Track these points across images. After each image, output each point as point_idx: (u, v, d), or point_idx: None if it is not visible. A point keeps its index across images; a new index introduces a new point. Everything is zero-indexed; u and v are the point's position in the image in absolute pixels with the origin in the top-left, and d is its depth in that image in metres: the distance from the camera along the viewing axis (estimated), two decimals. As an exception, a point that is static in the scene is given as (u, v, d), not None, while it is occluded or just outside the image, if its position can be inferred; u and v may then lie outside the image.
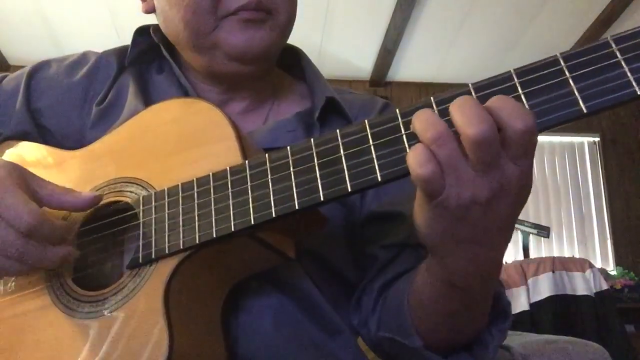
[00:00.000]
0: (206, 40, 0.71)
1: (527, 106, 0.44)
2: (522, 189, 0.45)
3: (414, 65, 4.37)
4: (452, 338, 0.61)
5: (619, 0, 3.68)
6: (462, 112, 0.43)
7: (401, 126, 0.47)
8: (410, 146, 0.46)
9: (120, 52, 0.83)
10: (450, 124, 0.44)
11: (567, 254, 4.38)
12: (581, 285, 3.00)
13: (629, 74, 0.41)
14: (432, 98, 0.47)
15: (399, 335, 0.62)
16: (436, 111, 0.46)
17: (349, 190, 0.48)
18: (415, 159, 0.44)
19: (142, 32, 0.82)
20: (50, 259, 0.56)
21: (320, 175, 0.50)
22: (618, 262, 4.34)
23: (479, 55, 4.14)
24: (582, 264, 3.09)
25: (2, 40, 3.83)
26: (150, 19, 0.85)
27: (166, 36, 0.79)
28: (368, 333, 0.69)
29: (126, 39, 0.82)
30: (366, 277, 0.71)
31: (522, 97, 0.44)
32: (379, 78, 4.45)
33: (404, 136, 0.47)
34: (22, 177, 0.57)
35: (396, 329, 0.63)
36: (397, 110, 0.48)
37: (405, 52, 4.18)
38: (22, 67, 0.82)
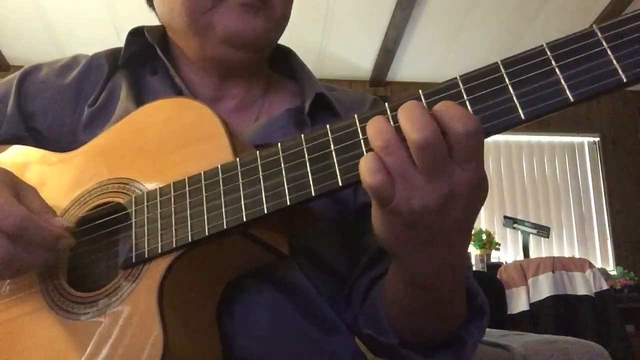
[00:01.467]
0: (201, 19, 0.72)
1: (514, 97, 0.44)
2: (475, 192, 0.46)
3: (414, 65, 4.37)
4: (428, 336, 0.62)
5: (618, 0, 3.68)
6: (407, 117, 0.44)
7: (390, 119, 0.48)
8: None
9: (112, 53, 0.83)
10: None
11: (567, 254, 4.38)
12: (581, 285, 3.00)
13: (614, 61, 0.41)
14: (420, 91, 0.47)
15: (377, 332, 0.63)
16: (425, 104, 0.47)
17: (340, 184, 0.49)
18: (366, 167, 0.45)
19: (135, 34, 0.82)
20: (40, 263, 0.56)
21: (311, 170, 0.50)
22: (618, 262, 4.34)
23: (479, 55, 4.14)
24: (582, 264, 3.09)
25: (2, 40, 3.84)
26: (150, 20, 0.85)
27: (164, 29, 0.79)
28: (359, 330, 0.69)
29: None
30: (356, 270, 0.72)
31: (510, 87, 0.44)
32: (379, 78, 4.46)
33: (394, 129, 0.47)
34: (12, 182, 0.58)
35: (373, 326, 0.64)
36: (387, 104, 0.49)
37: (405, 52, 4.19)
38: (21, 67, 0.82)
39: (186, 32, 0.74)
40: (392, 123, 0.46)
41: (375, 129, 0.45)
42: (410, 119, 0.44)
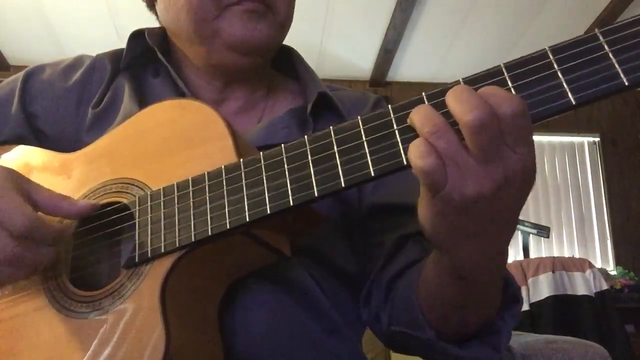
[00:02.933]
0: (207, 27, 0.72)
1: None
2: (526, 178, 0.45)
3: (414, 65, 4.37)
4: (464, 326, 0.60)
5: (619, 0, 3.68)
6: (458, 100, 0.43)
7: (393, 122, 0.48)
8: (402, 141, 0.47)
9: (115, 55, 0.83)
10: (447, 116, 0.44)
11: (567, 254, 4.38)
12: (581, 285, 2.99)
13: (616, 65, 0.42)
14: (424, 93, 0.48)
15: (411, 328, 0.62)
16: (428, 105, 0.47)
17: (343, 185, 0.49)
18: (416, 152, 0.44)
19: (136, 36, 0.82)
20: (46, 260, 0.56)
21: (314, 171, 0.51)
22: (618, 262, 4.34)
23: (479, 55, 4.14)
24: (582, 264, 3.09)
25: (2, 40, 3.83)
26: (150, 21, 0.85)
27: (164, 31, 0.80)
28: (380, 328, 0.68)
29: (126, 40, 0.82)
30: (373, 269, 0.71)
31: (512, 90, 0.45)
32: (379, 78, 4.45)
33: (396, 131, 0.48)
34: (17, 182, 0.58)
35: (407, 322, 0.62)
36: (390, 106, 0.49)
37: (405, 52, 4.18)
38: (22, 67, 0.82)
39: (192, 40, 0.75)
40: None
41: (422, 115, 0.44)
42: (461, 100, 0.43)
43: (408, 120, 0.46)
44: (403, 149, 0.47)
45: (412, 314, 0.61)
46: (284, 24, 0.77)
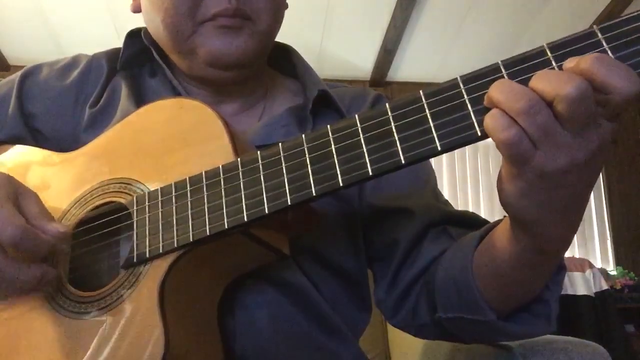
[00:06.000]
0: (185, 44, 0.71)
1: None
2: (610, 144, 0.44)
3: (414, 65, 4.37)
4: (518, 303, 0.59)
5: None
6: (549, 77, 0.41)
7: (391, 120, 0.48)
8: (400, 140, 0.47)
9: (112, 54, 0.83)
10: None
11: (567, 253, 4.36)
12: (581, 285, 2.99)
13: None
14: (421, 92, 0.47)
15: (468, 312, 0.60)
16: (426, 106, 0.47)
17: (341, 184, 0.49)
18: (495, 125, 0.42)
19: (133, 35, 0.82)
20: (25, 279, 0.54)
21: (311, 170, 0.50)
22: (618, 262, 4.34)
23: (479, 55, 4.14)
24: (582, 264, 3.08)
25: (2, 40, 3.83)
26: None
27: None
28: (420, 320, 0.67)
29: (126, 40, 0.82)
30: (390, 267, 0.71)
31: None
32: (379, 78, 4.45)
33: (394, 129, 0.48)
34: (12, 190, 0.57)
35: (462, 306, 0.61)
36: (387, 105, 0.49)
37: (405, 52, 4.18)
38: (21, 66, 0.82)
39: (174, 53, 0.75)
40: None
41: (510, 91, 0.42)
42: (553, 75, 0.41)
43: (486, 97, 0.44)
44: (401, 148, 0.47)
45: (469, 298, 0.59)
46: (267, 33, 0.74)
